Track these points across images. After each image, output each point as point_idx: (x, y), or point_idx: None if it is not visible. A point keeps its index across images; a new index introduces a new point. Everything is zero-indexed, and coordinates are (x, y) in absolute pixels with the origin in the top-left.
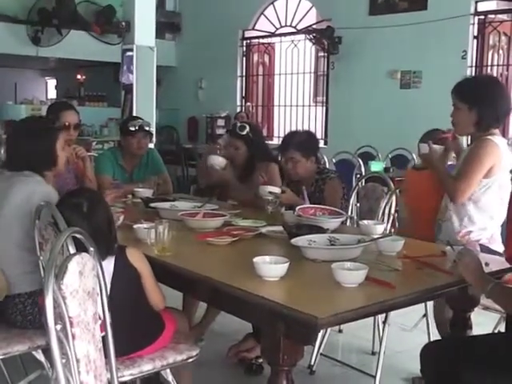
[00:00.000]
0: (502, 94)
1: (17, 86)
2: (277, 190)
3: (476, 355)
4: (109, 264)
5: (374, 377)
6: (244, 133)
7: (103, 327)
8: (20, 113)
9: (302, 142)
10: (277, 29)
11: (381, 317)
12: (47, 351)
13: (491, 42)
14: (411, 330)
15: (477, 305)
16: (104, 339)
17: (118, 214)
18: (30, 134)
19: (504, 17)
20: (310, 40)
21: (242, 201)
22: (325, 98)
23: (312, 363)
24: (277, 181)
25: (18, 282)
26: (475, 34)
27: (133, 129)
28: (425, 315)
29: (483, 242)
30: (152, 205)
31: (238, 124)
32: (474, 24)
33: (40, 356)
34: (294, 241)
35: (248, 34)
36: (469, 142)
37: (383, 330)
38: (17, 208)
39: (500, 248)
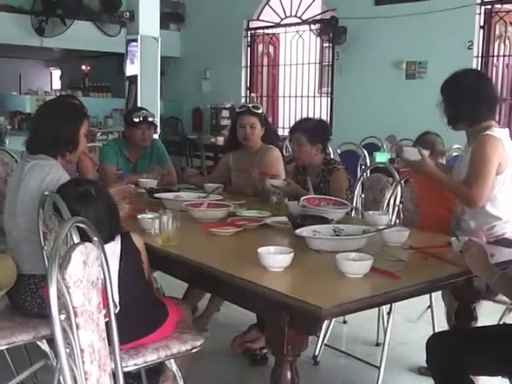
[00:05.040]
0: (471, 89)
1: (21, 77)
2: (280, 183)
3: (482, 346)
4: (115, 246)
5: (379, 368)
6: (259, 111)
7: (107, 316)
8: (24, 103)
9: (310, 127)
10: (282, 19)
11: (385, 308)
12: (52, 341)
13: (497, 32)
14: (416, 322)
15: (481, 296)
16: (108, 328)
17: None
18: (56, 114)
19: (510, 6)
20: (316, 30)
21: (243, 189)
22: (330, 88)
23: (316, 354)
24: (275, 166)
25: (34, 264)
26: (481, 23)
27: (137, 120)
28: (429, 306)
29: (509, 235)
30: (156, 195)
31: (251, 104)
32: (480, 14)
33: (45, 346)
34: (298, 231)
35: (253, 24)
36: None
37: (388, 321)
38: (31, 193)
39: None
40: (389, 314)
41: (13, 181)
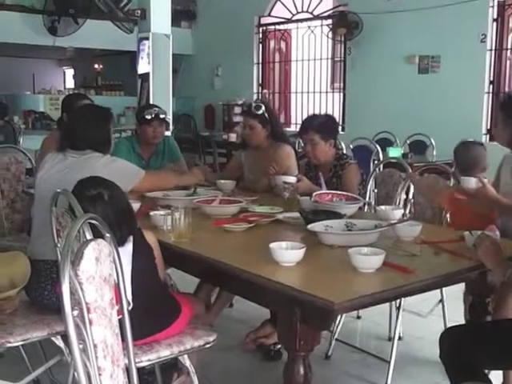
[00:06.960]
0: None
1: (35, 76)
2: (292, 179)
3: (496, 341)
4: (128, 243)
5: (389, 362)
6: (260, 112)
7: (121, 312)
8: (38, 103)
9: (321, 124)
10: (293, 15)
11: (396, 303)
12: (66, 337)
13: (511, 25)
14: (427, 316)
15: (495, 291)
16: (121, 324)
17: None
18: (96, 122)
19: None
20: (328, 26)
21: (255, 186)
22: (342, 83)
23: (329, 349)
24: (286, 163)
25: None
26: (495, 16)
27: (148, 117)
28: (440, 301)
29: None
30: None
31: (254, 104)
32: (493, 7)
33: (59, 342)
34: (310, 226)
35: (264, 20)
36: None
37: (397, 316)
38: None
39: None
40: (398, 308)
41: (55, 170)
